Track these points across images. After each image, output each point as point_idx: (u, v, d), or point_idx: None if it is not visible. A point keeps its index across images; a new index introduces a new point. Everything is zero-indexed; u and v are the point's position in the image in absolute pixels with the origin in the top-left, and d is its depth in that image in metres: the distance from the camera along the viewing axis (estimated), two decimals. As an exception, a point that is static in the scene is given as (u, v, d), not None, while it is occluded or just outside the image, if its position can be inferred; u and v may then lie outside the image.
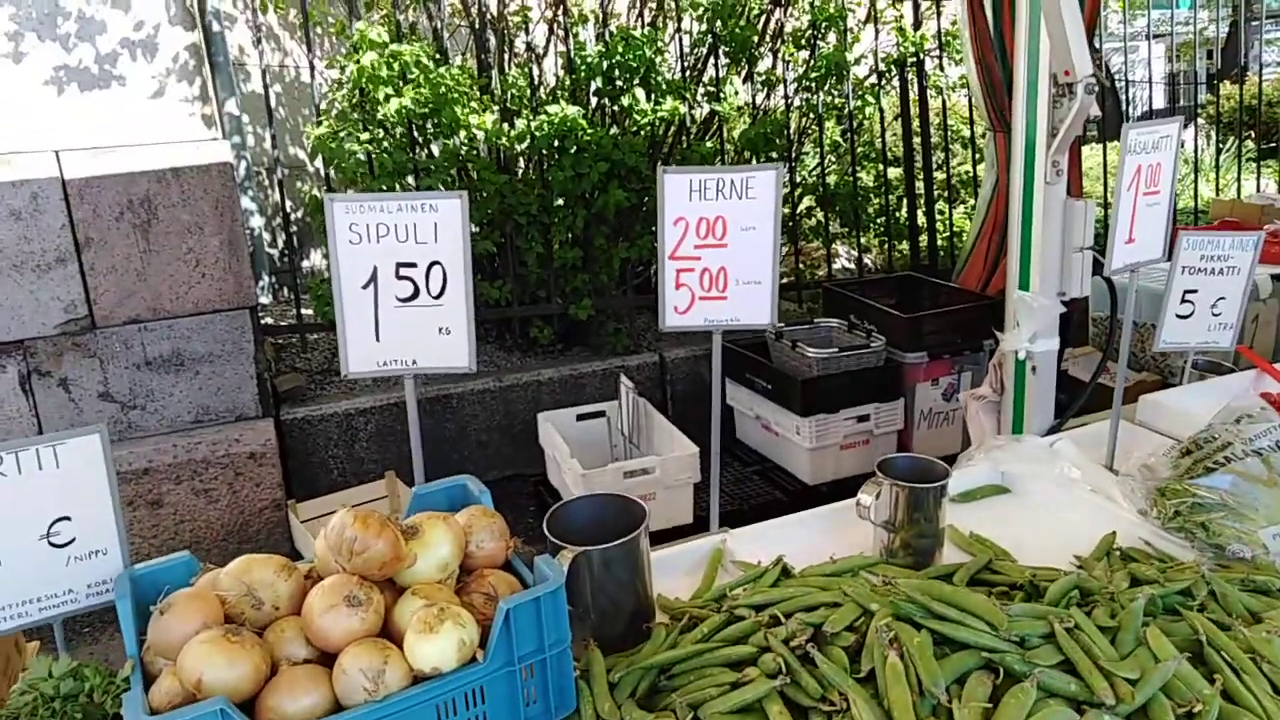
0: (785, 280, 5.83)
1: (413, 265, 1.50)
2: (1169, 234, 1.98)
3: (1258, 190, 7.96)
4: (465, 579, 1.38)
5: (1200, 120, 10.08)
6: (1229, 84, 9.81)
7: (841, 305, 4.76)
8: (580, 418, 4.27)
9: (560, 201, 4.63)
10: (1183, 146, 9.15)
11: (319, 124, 4.36)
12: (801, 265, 5.90)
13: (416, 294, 1.51)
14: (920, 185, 5.88)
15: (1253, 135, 8.69)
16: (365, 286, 1.50)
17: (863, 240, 6.10)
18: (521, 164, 4.81)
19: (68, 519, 1.33)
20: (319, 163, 4.93)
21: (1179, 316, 2.20)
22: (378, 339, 1.52)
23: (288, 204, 5.26)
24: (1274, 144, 8.63)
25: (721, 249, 1.66)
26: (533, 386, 4.65)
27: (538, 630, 1.27)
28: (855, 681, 1.14)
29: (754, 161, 5.25)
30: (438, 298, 1.51)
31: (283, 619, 1.27)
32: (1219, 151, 9.16)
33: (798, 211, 5.63)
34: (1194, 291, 2.19)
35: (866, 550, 1.72)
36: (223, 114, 5.37)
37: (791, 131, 5.42)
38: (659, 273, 1.70)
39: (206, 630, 1.19)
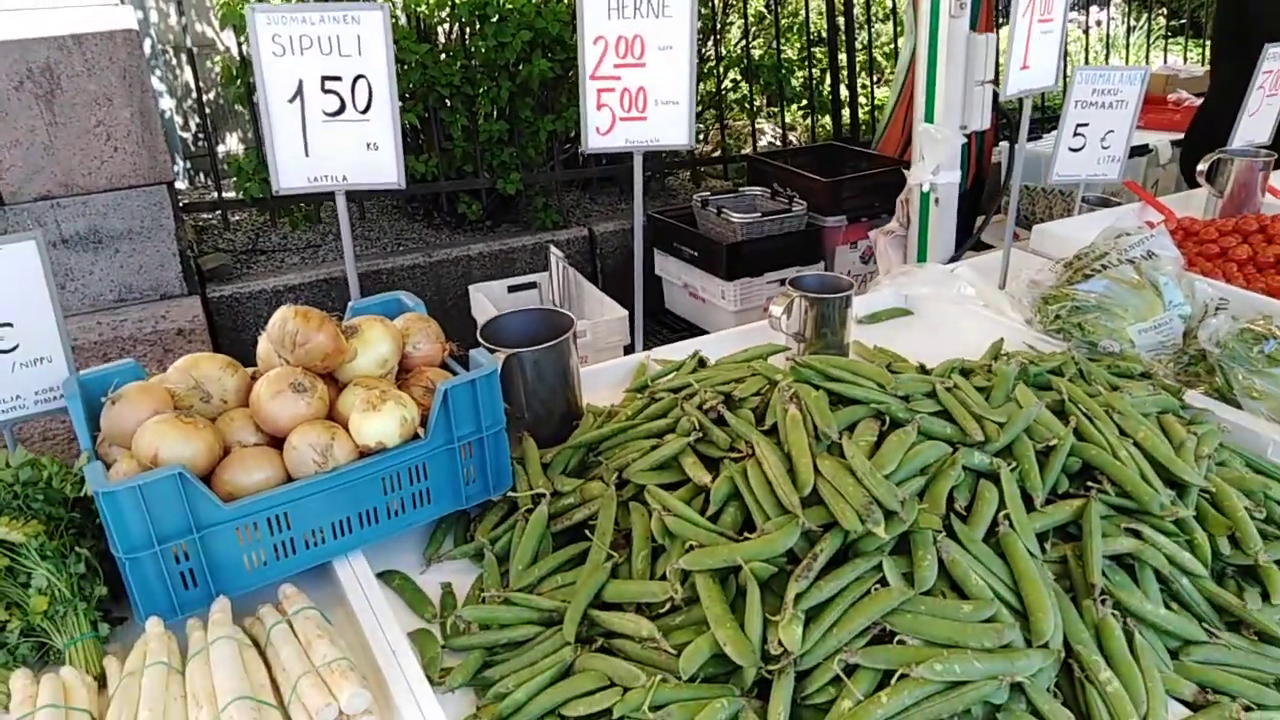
0: (712, 154, 5.88)
1: (338, 79, 1.52)
2: (1061, 62, 2.10)
3: (1164, 64, 8.19)
4: (405, 376, 1.47)
5: (1117, -1, 10.25)
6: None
7: (765, 175, 4.85)
8: (512, 289, 4.33)
9: (483, 73, 4.57)
10: (1099, 25, 9.31)
11: (226, -9, 4.18)
12: (728, 140, 5.94)
13: (343, 108, 1.54)
14: (843, 59, 5.92)
15: (1164, 13, 8.88)
16: (292, 100, 1.52)
17: (787, 116, 6.16)
18: (442, 34, 4.70)
19: (9, 325, 1.37)
20: (229, 36, 4.75)
21: (1071, 150, 2.35)
22: (307, 153, 1.55)
23: (200, 83, 5.06)
24: (1183, 21, 8.83)
25: (640, 68, 1.72)
26: (463, 261, 4.67)
27: (474, 412, 1.38)
28: (761, 433, 1.28)
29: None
30: (364, 112, 1.54)
31: (231, 409, 1.35)
32: (1129, 30, 9.33)
33: (723, 86, 5.64)
34: (1085, 125, 2.33)
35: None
36: (121, -15, 5.09)
37: (716, 2, 5.37)
38: (580, 92, 1.75)
39: (158, 415, 1.26)
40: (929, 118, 2.30)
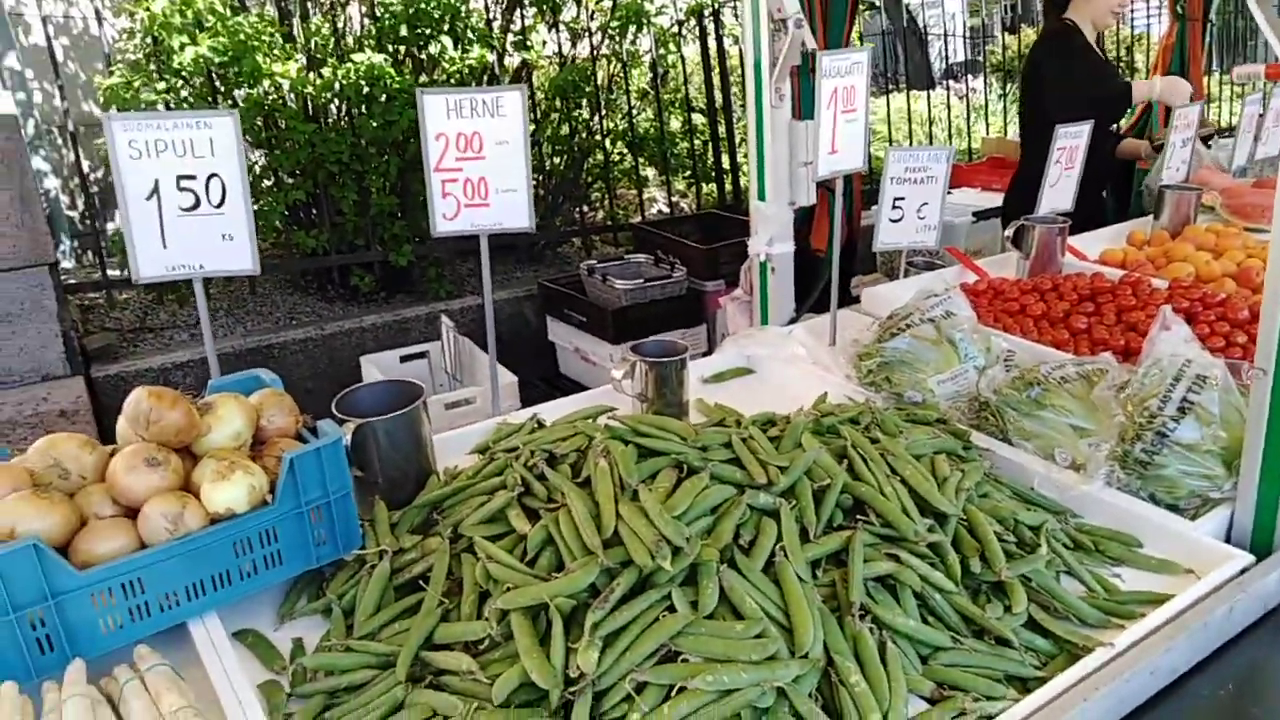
0: (603, 222, 6.14)
1: (192, 178, 1.66)
2: (868, 146, 2.38)
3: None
4: (260, 448, 1.59)
5: (986, 68, 11.10)
6: (1009, 35, 10.80)
7: (650, 242, 5.12)
8: (404, 359, 4.42)
9: (373, 150, 4.73)
10: (974, 93, 9.95)
11: (110, 74, 4.27)
12: (618, 208, 6.22)
13: (198, 204, 1.68)
14: (723, 129, 6.29)
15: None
16: (149, 198, 1.65)
17: (673, 184, 6.48)
18: (331, 112, 4.86)
19: None
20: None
21: (891, 220, 2.63)
22: (164, 245, 1.68)
23: (85, 163, 5.09)
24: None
25: (480, 161, 1.91)
26: (356, 333, 4.76)
27: (320, 477, 1.51)
28: (574, 485, 1.45)
29: (563, 108, 5.50)
30: (219, 206, 1.68)
31: (90, 485, 1.45)
32: (1000, 97, 10.10)
33: (610, 157, 5.93)
34: (902, 199, 2.61)
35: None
36: (2, 69, 5.12)
37: (599, 80, 5.68)
38: (427, 185, 1.94)
39: (16, 492, 1.36)
40: (761, 196, 2.56)
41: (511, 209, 1.97)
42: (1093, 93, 3.78)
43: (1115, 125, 4.41)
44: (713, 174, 6.42)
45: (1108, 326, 2.33)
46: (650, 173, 6.58)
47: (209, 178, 1.66)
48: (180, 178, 1.65)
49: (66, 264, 5.47)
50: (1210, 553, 1.59)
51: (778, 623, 1.26)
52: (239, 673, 1.32)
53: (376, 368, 4.20)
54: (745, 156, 6.66)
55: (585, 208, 6.14)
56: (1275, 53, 1.48)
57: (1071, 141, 2.95)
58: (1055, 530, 1.61)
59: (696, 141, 6.37)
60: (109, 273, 4.76)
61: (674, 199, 6.57)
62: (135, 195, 1.65)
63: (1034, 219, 2.85)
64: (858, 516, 1.47)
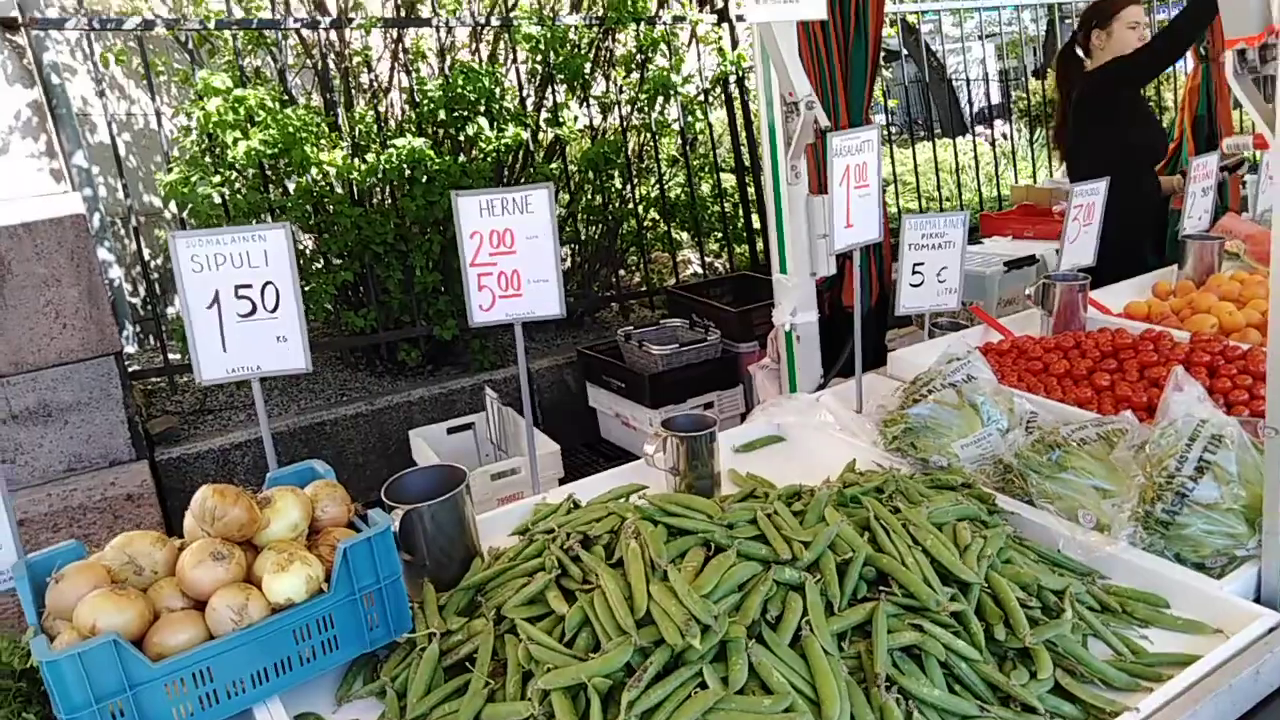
0: (639, 288, 6.28)
1: (249, 286, 1.82)
2: (882, 217, 2.47)
3: (1050, 175, 8.92)
4: (314, 537, 1.71)
5: (1014, 114, 11.15)
6: (1035, 79, 10.87)
7: (684, 306, 5.24)
8: (451, 430, 4.56)
9: (416, 229, 4.93)
10: (1004, 138, 10.01)
11: (169, 170, 4.54)
12: (652, 273, 6.36)
13: (255, 310, 1.83)
14: (752, 191, 6.43)
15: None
16: (210, 307, 1.80)
17: (706, 246, 6.62)
18: (376, 195, 5.09)
19: (-35, 519, 1.59)
20: (174, 208, 5.08)
21: (912, 285, 2.71)
22: (224, 349, 1.83)
23: (145, 251, 5.37)
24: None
25: (512, 255, 2.04)
26: (404, 407, 4.91)
27: (372, 565, 1.61)
28: (608, 566, 1.53)
29: (596, 180, 5.69)
30: (273, 311, 1.83)
31: (161, 579, 1.57)
32: (1031, 142, 10.15)
33: (644, 224, 6.09)
34: (921, 264, 2.70)
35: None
36: (71, 166, 5.44)
37: (630, 149, 5.87)
38: (464, 279, 2.07)
39: (96, 590, 1.48)
40: (783, 269, 2.66)
41: (543, 298, 2.09)
42: (1135, 140, 3.93)
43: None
44: (744, 235, 6.55)
45: (1130, 383, 2.37)
46: (683, 236, 6.73)
47: (264, 285, 1.81)
48: (238, 287, 1.81)
49: (130, 349, 5.73)
50: (1237, 611, 1.61)
51: (805, 696, 1.32)
52: (301, 756, 1.41)
53: (425, 441, 4.33)
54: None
55: (621, 273, 6.29)
56: (1259, 126, 1.55)
57: (1088, 199, 3.01)
58: (1080, 593, 1.64)
59: (727, 205, 6.51)
60: (170, 357, 4.98)
61: (707, 260, 6.69)
62: (198, 305, 1.80)
63: (1055, 276, 2.90)
64: (881, 588, 1.53)
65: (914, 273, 2.67)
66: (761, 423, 2.50)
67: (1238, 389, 2.23)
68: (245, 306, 1.82)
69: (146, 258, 5.34)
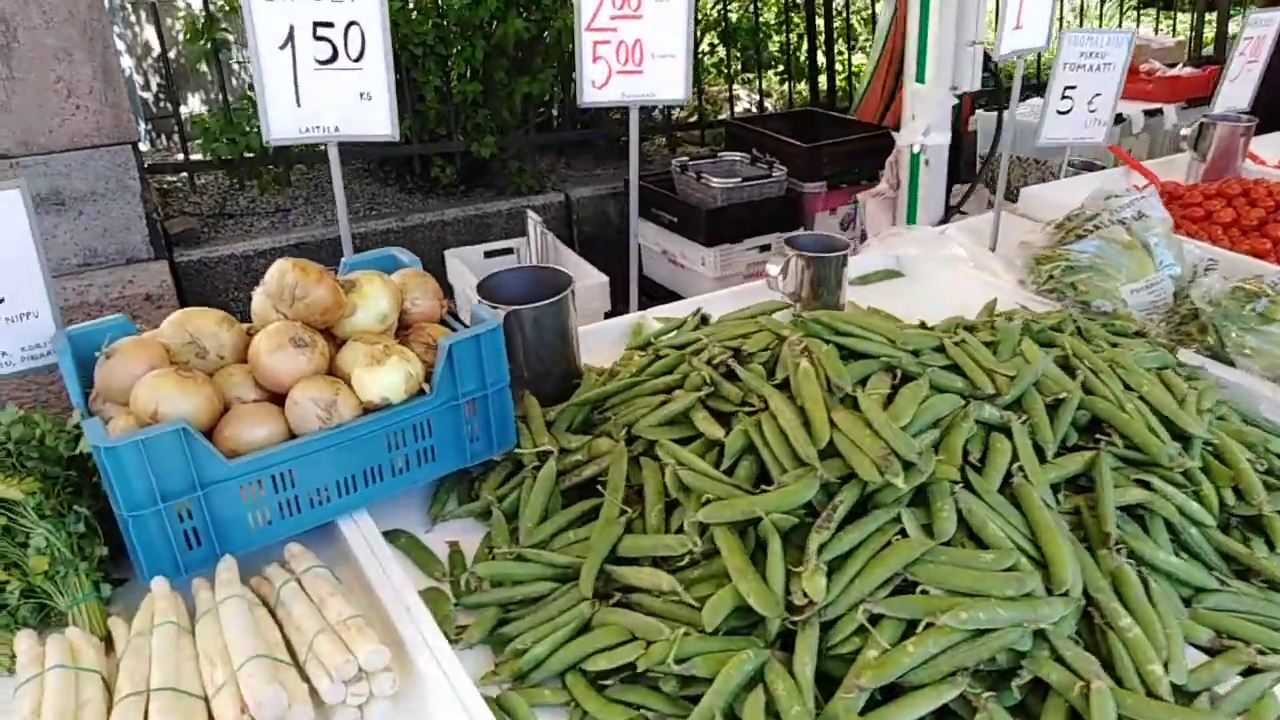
0: (688, 119, 5.83)
1: (330, 25, 1.47)
2: (1052, 24, 2.10)
3: (1135, 34, 8.26)
4: (404, 333, 1.44)
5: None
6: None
7: (744, 140, 4.83)
8: (488, 254, 4.27)
9: (457, 31, 4.47)
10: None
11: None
12: (706, 105, 5.90)
13: (335, 56, 1.49)
14: (821, 24, 5.89)
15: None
16: (283, 47, 1.46)
17: (763, 82, 6.12)
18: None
19: (-7, 278, 1.31)
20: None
21: (1059, 112, 2.35)
22: (298, 103, 1.50)
23: (163, 41, 4.90)
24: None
25: (637, 20, 1.68)
26: (437, 227, 4.60)
27: (478, 368, 1.35)
28: (773, 386, 1.28)
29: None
30: (357, 60, 1.49)
31: (229, 365, 1.31)
32: (1102, 1, 9.38)
33: (699, 49, 5.58)
34: (1073, 88, 2.33)
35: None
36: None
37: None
38: (576, 45, 1.71)
39: (155, 369, 1.22)
40: (920, 78, 2.29)
41: (667, 78, 1.74)
42: None
43: None
44: (805, 71, 6.04)
45: (1316, 236, 2.08)
46: (735, 68, 6.22)
47: (348, 26, 1.46)
48: (317, 24, 1.46)
49: (142, 147, 5.35)
50: None
51: (1026, 554, 1.09)
52: (403, 579, 1.19)
53: (462, 262, 4.05)
54: (842, 53, 6.25)
55: (670, 103, 5.83)
56: None
57: (1262, 30, 2.62)
58: (1302, 460, 1.40)
59: (791, 36, 5.97)
60: (189, 156, 4.62)
61: (761, 96, 6.21)
62: (268, 44, 1.46)
63: (1215, 116, 2.54)
64: (1096, 436, 1.28)
65: (1064, 97, 2.31)
66: (879, 254, 2.21)
67: None
68: (325, 51, 1.47)
69: (164, 40, 4.87)
